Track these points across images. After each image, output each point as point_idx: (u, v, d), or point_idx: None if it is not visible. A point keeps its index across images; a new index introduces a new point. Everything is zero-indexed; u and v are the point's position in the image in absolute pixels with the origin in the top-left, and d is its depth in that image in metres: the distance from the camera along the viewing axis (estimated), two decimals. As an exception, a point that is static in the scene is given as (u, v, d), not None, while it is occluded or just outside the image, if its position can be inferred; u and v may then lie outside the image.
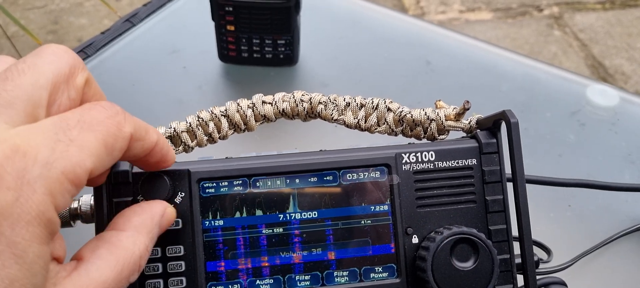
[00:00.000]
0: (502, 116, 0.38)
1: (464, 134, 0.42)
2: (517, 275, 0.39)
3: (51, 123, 0.26)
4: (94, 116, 0.27)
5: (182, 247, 0.37)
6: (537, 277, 0.43)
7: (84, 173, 0.26)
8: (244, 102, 0.42)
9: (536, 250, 0.48)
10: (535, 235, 0.49)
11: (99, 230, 0.36)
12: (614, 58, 1.90)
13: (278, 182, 0.38)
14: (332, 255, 0.37)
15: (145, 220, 0.32)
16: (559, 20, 2.03)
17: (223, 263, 0.37)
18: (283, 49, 0.64)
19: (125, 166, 0.37)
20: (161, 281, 0.36)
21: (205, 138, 0.41)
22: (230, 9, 0.62)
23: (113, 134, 0.28)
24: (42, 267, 0.25)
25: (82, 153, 0.26)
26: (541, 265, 0.44)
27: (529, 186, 0.49)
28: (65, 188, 0.25)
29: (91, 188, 0.36)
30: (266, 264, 0.37)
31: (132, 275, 0.30)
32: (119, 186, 0.36)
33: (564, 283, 0.43)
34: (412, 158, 0.39)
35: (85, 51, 0.68)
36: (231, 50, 0.65)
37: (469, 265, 0.36)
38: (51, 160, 0.25)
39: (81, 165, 0.26)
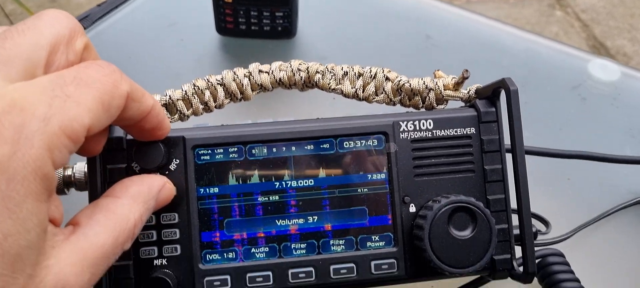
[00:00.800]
0: (502, 84, 0.38)
1: (463, 104, 0.41)
2: (515, 246, 0.38)
3: (48, 80, 0.26)
4: (90, 74, 0.27)
5: (176, 215, 0.36)
6: (535, 249, 0.43)
7: (81, 128, 0.26)
8: (241, 71, 0.41)
9: (534, 222, 0.47)
10: (534, 208, 0.48)
11: (93, 197, 0.35)
12: (616, 39, 1.89)
13: (274, 150, 0.37)
14: (328, 224, 0.37)
15: (142, 191, 0.32)
16: (561, 0, 2.01)
17: (218, 231, 0.37)
18: (281, 21, 0.63)
19: (119, 133, 0.36)
20: (155, 248, 0.36)
21: (201, 106, 0.40)
22: (228, -20, 0.61)
23: (109, 91, 0.28)
24: (37, 224, 0.25)
25: (79, 109, 0.26)
26: (539, 237, 0.44)
27: (528, 159, 0.48)
28: (63, 144, 0.25)
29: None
30: (262, 233, 0.37)
31: (126, 243, 0.30)
32: (113, 153, 0.36)
33: (561, 255, 0.43)
34: (410, 127, 0.38)
35: (82, 23, 0.67)
36: (229, 22, 0.64)
37: (466, 233, 0.36)
38: (49, 115, 0.25)
39: (78, 120, 0.26)
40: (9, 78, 0.26)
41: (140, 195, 0.32)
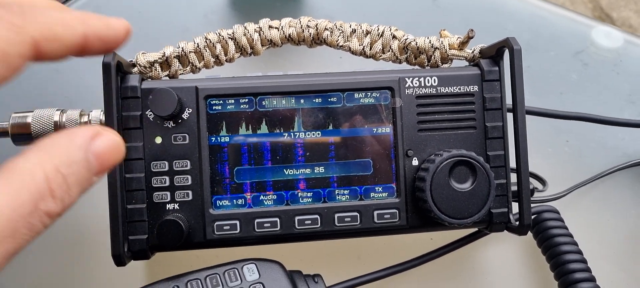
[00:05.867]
0: (505, 43, 0.39)
1: (467, 64, 0.42)
2: (512, 201, 0.40)
3: None
4: None
5: (188, 162, 0.38)
6: (531, 205, 0.44)
7: None
8: (251, 26, 0.42)
9: (532, 180, 0.49)
10: (532, 167, 0.50)
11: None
12: (622, 10, 1.88)
13: (283, 102, 0.39)
14: (334, 174, 0.39)
15: (59, 142, 0.27)
16: (569, -31, 1.99)
17: (228, 179, 0.38)
18: (289, -20, 0.64)
19: (134, 81, 0.37)
20: (168, 193, 0.38)
21: (213, 60, 0.42)
22: (237, -63, 0.62)
23: (4, 37, 0.26)
24: None
25: None
26: (536, 194, 0.45)
27: (528, 120, 0.49)
28: None
29: (101, 103, 0.37)
30: (270, 181, 0.38)
31: (42, 202, 0.25)
32: (129, 100, 0.37)
33: (556, 212, 0.44)
34: (415, 83, 0.39)
35: (91, -22, 0.67)
36: (237, -20, 0.64)
37: (466, 186, 0.37)
38: None
39: None
40: None
41: (54, 146, 0.26)
